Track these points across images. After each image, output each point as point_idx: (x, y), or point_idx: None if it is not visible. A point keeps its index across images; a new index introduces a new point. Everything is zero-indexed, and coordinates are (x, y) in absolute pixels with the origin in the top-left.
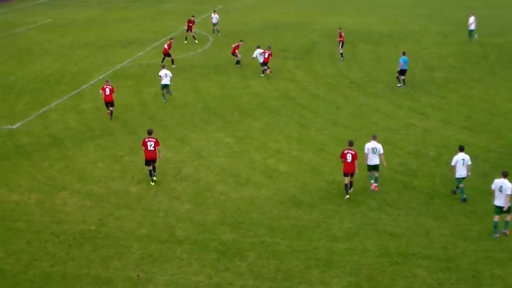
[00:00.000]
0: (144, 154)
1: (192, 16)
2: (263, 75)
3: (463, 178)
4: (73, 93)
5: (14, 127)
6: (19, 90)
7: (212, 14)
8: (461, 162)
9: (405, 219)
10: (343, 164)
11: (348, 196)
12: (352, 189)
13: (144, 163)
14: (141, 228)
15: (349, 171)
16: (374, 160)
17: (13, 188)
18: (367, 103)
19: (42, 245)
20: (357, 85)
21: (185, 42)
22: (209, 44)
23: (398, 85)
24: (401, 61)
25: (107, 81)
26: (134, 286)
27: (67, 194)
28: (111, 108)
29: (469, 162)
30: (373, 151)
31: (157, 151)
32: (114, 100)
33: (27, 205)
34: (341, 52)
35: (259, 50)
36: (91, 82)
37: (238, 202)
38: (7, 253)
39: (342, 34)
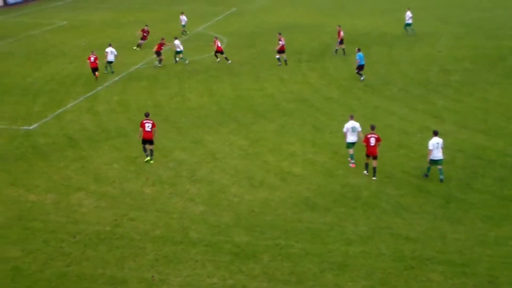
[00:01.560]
0: (142, 134)
1: (146, 25)
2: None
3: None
4: (88, 94)
5: (31, 127)
6: (35, 91)
7: (181, 16)
8: (436, 146)
9: (420, 223)
10: (366, 147)
11: (367, 173)
12: (376, 176)
13: (141, 142)
14: (155, 229)
15: (372, 154)
16: (353, 138)
17: (30, 188)
18: (381, 106)
19: (58, 244)
20: (371, 87)
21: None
22: (223, 46)
23: (362, 78)
24: (357, 57)
25: (92, 52)
26: (148, 287)
27: (83, 194)
28: (97, 73)
29: (442, 146)
30: (353, 130)
31: (153, 132)
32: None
33: (43, 205)
34: (336, 48)
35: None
36: (106, 84)
37: (252, 204)
38: (24, 252)
39: (341, 33)
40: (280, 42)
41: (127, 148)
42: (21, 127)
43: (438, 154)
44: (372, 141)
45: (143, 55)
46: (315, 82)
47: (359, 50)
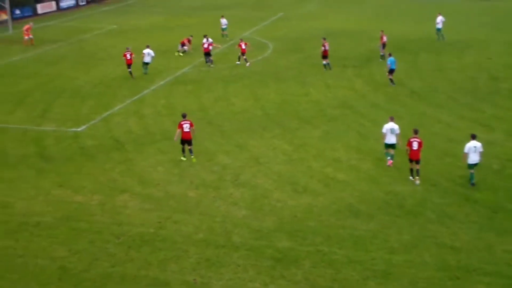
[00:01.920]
0: (180, 135)
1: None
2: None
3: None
4: (135, 97)
5: (79, 129)
6: (84, 94)
7: (221, 19)
8: (473, 149)
9: (466, 233)
10: (409, 151)
11: (412, 178)
12: (419, 180)
13: (180, 142)
14: (198, 232)
15: (414, 158)
16: (391, 139)
17: (77, 189)
18: (428, 113)
19: (103, 245)
20: (417, 94)
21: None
22: (269, 51)
23: (392, 84)
24: (388, 62)
25: (127, 48)
26: None
27: (128, 196)
28: (129, 70)
29: (481, 149)
30: (391, 131)
31: (191, 131)
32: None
33: (89, 206)
34: (382, 54)
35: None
36: (153, 87)
37: (295, 209)
38: (70, 252)
39: (384, 38)
40: (323, 47)
41: (172, 151)
42: (69, 129)
43: (475, 158)
44: (415, 145)
45: (189, 60)
46: (360, 88)
47: (390, 54)
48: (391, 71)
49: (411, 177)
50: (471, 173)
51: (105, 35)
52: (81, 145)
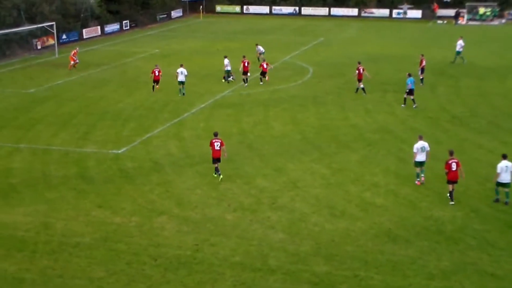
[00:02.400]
0: (212, 154)
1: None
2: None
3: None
4: (175, 120)
5: (119, 151)
6: (126, 116)
7: (257, 47)
8: (504, 169)
9: (508, 261)
10: (447, 173)
11: (453, 202)
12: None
13: (212, 161)
14: (235, 255)
15: (454, 179)
16: (422, 157)
17: (116, 210)
18: (469, 139)
19: (140, 267)
20: (459, 120)
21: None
22: (309, 75)
23: (414, 106)
24: (408, 82)
25: (156, 65)
26: None
27: (166, 218)
28: (157, 86)
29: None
30: (422, 149)
31: (222, 151)
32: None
33: (128, 227)
34: (421, 78)
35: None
36: (193, 111)
37: (332, 233)
38: (108, 273)
39: (424, 62)
40: (357, 70)
41: (210, 174)
42: (110, 151)
43: (506, 177)
44: (454, 166)
45: (230, 84)
46: (400, 113)
47: (409, 75)
48: (411, 91)
49: (452, 202)
50: (506, 192)
51: (147, 59)
52: (121, 167)
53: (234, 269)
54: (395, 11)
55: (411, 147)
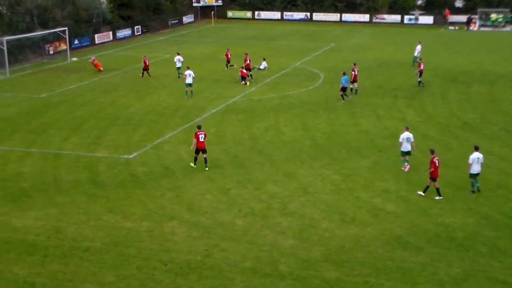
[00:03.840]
0: (196, 145)
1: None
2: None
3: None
4: (186, 126)
5: (130, 156)
6: (137, 121)
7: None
8: (476, 160)
9: None
10: (432, 172)
11: (440, 198)
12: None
13: (194, 152)
14: (245, 260)
15: (438, 176)
16: (408, 147)
17: (127, 215)
18: (480, 145)
19: (150, 272)
20: (470, 126)
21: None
22: (320, 81)
23: (342, 101)
24: (342, 81)
25: (145, 56)
26: None
27: (176, 223)
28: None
29: (482, 160)
30: (407, 140)
31: (205, 142)
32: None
33: (138, 232)
34: (419, 80)
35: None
36: (204, 116)
37: (343, 240)
38: (118, 278)
39: (421, 66)
40: (352, 72)
41: (221, 179)
42: (121, 156)
43: (477, 168)
44: (437, 163)
45: (241, 89)
46: (411, 119)
47: (344, 73)
48: (344, 89)
49: (438, 197)
50: (472, 182)
51: (159, 64)
52: (131, 172)
53: (245, 274)
54: (406, 17)
55: (422, 153)
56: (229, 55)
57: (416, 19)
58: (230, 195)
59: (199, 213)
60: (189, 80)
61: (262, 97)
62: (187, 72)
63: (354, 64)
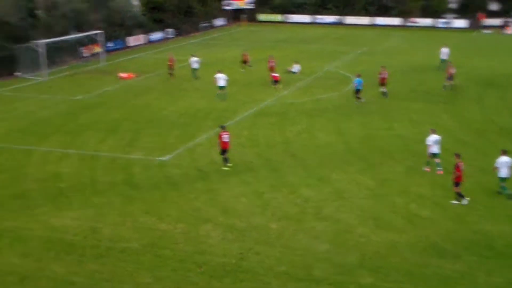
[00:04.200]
0: (221, 145)
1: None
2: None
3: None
4: (218, 128)
5: (165, 159)
6: (170, 124)
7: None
8: (504, 164)
9: None
10: (458, 176)
11: (457, 202)
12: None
13: (220, 153)
14: (280, 265)
15: (462, 180)
16: (435, 149)
17: (162, 217)
18: None
19: (185, 274)
20: (507, 131)
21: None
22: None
23: (356, 102)
24: (355, 82)
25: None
26: None
27: (211, 226)
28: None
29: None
30: (436, 142)
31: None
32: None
33: (173, 234)
34: (445, 84)
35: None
36: (236, 119)
37: (378, 245)
38: (154, 279)
39: (451, 69)
40: (380, 75)
41: (255, 182)
42: (156, 158)
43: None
44: (462, 167)
45: (273, 92)
46: (446, 123)
47: (358, 75)
48: (357, 91)
49: (454, 202)
50: (502, 185)
51: (190, 67)
52: (166, 174)
53: (279, 278)
54: (439, 21)
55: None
56: (247, 57)
57: (449, 22)
58: (264, 198)
59: (234, 216)
60: (221, 83)
61: (294, 101)
62: (217, 75)
63: (383, 67)
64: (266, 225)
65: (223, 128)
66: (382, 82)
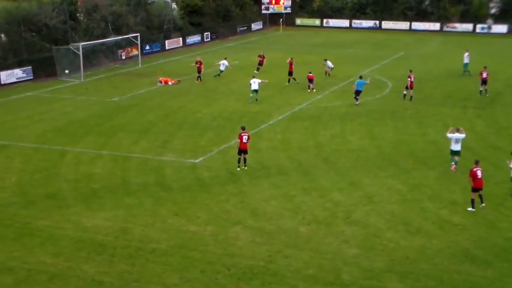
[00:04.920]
0: (239, 145)
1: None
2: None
3: None
4: (252, 131)
5: (196, 161)
6: (203, 126)
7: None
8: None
9: None
10: (472, 182)
11: (472, 209)
12: (484, 204)
13: (237, 152)
14: (308, 268)
15: (479, 186)
16: (457, 147)
17: (192, 218)
18: None
19: (214, 276)
20: None
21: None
22: (387, 90)
23: (356, 103)
24: (356, 83)
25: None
26: None
27: (240, 228)
28: (199, 75)
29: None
30: (457, 140)
31: (248, 143)
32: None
33: (202, 236)
34: (480, 89)
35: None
36: (270, 122)
37: (407, 250)
38: (182, 280)
39: (484, 74)
40: (409, 78)
41: (286, 186)
42: (188, 160)
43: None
44: (479, 174)
45: (308, 96)
46: (481, 129)
47: (360, 77)
48: (357, 92)
49: (470, 208)
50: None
51: (226, 70)
52: (197, 176)
53: (307, 282)
54: (479, 26)
55: (491, 165)
56: (263, 59)
57: (489, 27)
58: (294, 202)
59: (263, 219)
60: (254, 86)
61: (328, 105)
62: (252, 80)
63: (410, 71)
64: (295, 229)
65: (243, 129)
66: (410, 86)
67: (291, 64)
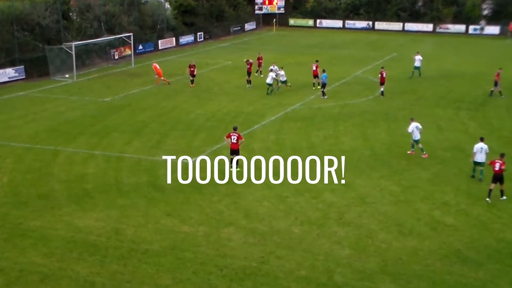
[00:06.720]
0: (230, 145)
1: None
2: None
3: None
4: (245, 132)
5: (190, 161)
6: (197, 127)
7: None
8: (479, 150)
9: None
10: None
11: (489, 200)
12: (505, 197)
13: (229, 152)
14: (300, 269)
15: (495, 177)
16: (480, 157)
17: (185, 219)
18: None
19: (206, 276)
20: None
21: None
22: (380, 91)
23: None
24: (322, 77)
25: (192, 61)
26: None
27: (233, 229)
28: (191, 79)
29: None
30: (481, 151)
31: (239, 143)
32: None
33: (195, 236)
34: (492, 90)
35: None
36: (263, 123)
37: (400, 252)
38: (174, 281)
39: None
40: (380, 75)
41: (279, 186)
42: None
43: (481, 158)
44: (497, 166)
45: (300, 97)
46: (474, 131)
47: (324, 71)
48: (323, 85)
49: (488, 199)
50: (480, 170)
51: (220, 71)
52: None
53: (299, 283)
54: (471, 27)
55: (484, 167)
56: (261, 61)
57: (482, 29)
58: (287, 203)
59: (256, 220)
60: (269, 80)
61: (321, 106)
62: (271, 74)
63: (382, 68)
64: (288, 229)
65: (235, 129)
66: (382, 82)
67: (316, 67)
